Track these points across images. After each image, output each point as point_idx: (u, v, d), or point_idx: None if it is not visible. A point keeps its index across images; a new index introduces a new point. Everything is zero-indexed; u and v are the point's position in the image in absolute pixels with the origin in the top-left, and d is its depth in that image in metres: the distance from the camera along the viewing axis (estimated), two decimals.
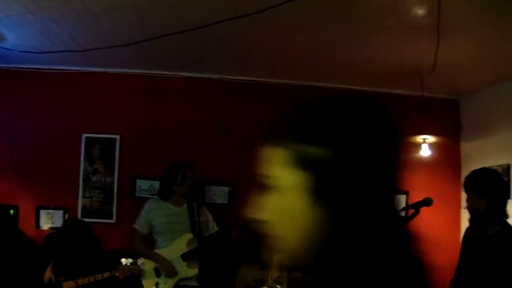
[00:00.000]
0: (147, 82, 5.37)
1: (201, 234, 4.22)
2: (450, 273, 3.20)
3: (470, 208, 2.77)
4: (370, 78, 5.36)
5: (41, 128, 5.25)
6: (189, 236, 4.11)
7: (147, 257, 4.14)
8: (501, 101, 5.25)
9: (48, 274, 4.11)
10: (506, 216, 2.76)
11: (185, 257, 4.02)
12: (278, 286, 4.25)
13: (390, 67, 4.91)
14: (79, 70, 5.30)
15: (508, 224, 2.76)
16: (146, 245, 4.26)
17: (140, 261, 4.07)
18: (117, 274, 4.01)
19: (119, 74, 5.35)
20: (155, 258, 4.12)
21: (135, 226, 4.27)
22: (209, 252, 4.30)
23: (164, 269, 4.07)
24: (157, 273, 4.10)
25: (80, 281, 4.02)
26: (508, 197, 2.81)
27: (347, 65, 4.96)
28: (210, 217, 4.42)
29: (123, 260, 4.01)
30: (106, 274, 4.01)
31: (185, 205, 4.21)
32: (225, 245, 4.31)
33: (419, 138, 5.17)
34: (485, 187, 2.73)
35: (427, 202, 2.99)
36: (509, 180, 4.98)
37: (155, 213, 4.21)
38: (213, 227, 4.42)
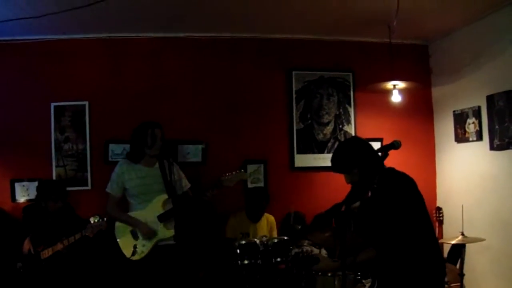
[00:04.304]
0: (110, 45, 5.28)
1: (175, 192, 3.96)
2: None
3: (350, 183, 2.89)
4: (336, 27, 5.32)
5: (8, 101, 5.15)
6: (164, 196, 3.95)
7: (122, 221, 4.03)
8: (469, 44, 5.26)
9: (27, 246, 4.12)
10: (381, 162, 2.84)
11: (161, 218, 3.91)
12: (256, 240, 4.39)
13: (355, 15, 4.86)
14: (42, 38, 5.17)
15: (384, 170, 2.89)
16: (120, 209, 4.11)
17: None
18: (87, 233, 4.04)
19: (82, 39, 5.24)
20: (131, 222, 3.98)
21: (108, 190, 4.09)
22: (184, 210, 4.06)
23: (142, 231, 3.93)
24: (134, 236, 4.00)
25: (55, 247, 4.05)
26: (371, 151, 2.90)
27: (310, 14, 4.89)
28: (182, 175, 4.29)
29: (91, 219, 4.04)
30: (78, 236, 4.04)
31: (157, 165, 4.02)
32: (199, 203, 4.16)
33: (390, 85, 5.16)
34: (346, 164, 2.87)
35: (395, 145, 3.04)
36: (480, 122, 5.05)
37: (127, 176, 4.02)
38: (185, 184, 4.29)
